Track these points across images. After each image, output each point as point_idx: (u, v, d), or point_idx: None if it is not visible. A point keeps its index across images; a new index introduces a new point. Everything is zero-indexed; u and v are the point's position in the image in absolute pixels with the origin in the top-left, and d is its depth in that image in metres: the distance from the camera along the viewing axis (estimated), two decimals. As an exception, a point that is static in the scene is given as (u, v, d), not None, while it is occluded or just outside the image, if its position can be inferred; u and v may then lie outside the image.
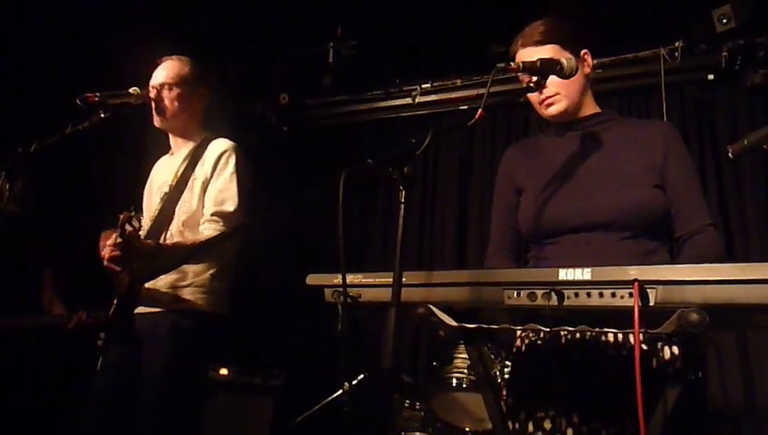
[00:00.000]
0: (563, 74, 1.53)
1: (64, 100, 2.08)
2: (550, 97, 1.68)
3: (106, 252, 2.04)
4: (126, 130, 2.33)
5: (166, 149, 2.52)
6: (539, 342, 1.61)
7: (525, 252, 1.76)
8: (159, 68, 2.40)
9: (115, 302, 2.18)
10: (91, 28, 3.75)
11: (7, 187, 1.83)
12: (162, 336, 2.15)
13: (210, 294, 2.24)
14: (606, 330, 1.31)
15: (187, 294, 2.21)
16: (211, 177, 2.28)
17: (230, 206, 2.24)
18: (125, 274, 2.15)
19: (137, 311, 2.21)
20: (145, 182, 2.54)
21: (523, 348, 1.66)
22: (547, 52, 1.64)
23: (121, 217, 2.00)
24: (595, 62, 1.77)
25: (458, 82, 4.24)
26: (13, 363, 3.35)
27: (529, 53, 1.66)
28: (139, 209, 2.47)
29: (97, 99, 2.09)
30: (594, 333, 1.48)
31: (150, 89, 2.35)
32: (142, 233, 2.24)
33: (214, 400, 3.51)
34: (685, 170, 1.62)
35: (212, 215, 2.23)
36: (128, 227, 2.00)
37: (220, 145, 2.34)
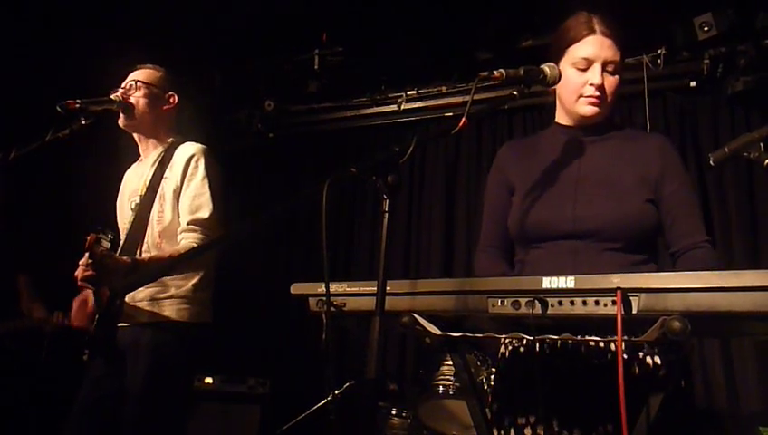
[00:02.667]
0: (546, 83, 1.53)
1: (44, 106, 2.05)
2: (598, 98, 1.61)
3: (78, 272, 2.00)
4: (102, 135, 2.29)
5: (136, 156, 2.48)
6: (522, 349, 1.61)
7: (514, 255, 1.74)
8: (132, 72, 2.38)
9: (96, 316, 2.15)
10: (75, 35, 3.72)
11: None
12: (143, 350, 2.11)
13: (192, 305, 2.20)
14: (589, 338, 1.31)
15: (168, 306, 2.17)
16: (182, 183, 2.23)
17: (205, 212, 2.19)
18: (105, 288, 2.13)
19: (119, 325, 2.17)
20: (117, 191, 2.50)
21: (507, 355, 1.65)
22: (618, 55, 1.60)
23: (88, 238, 1.96)
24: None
25: (444, 88, 4.26)
26: None
27: (605, 45, 1.59)
28: (113, 222, 2.44)
29: (78, 105, 2.07)
30: (577, 342, 1.48)
31: (119, 90, 2.31)
32: (119, 245, 2.21)
33: (200, 408, 3.48)
34: (680, 186, 1.61)
35: (188, 223, 2.18)
36: (99, 248, 1.96)
37: (188, 149, 2.28)
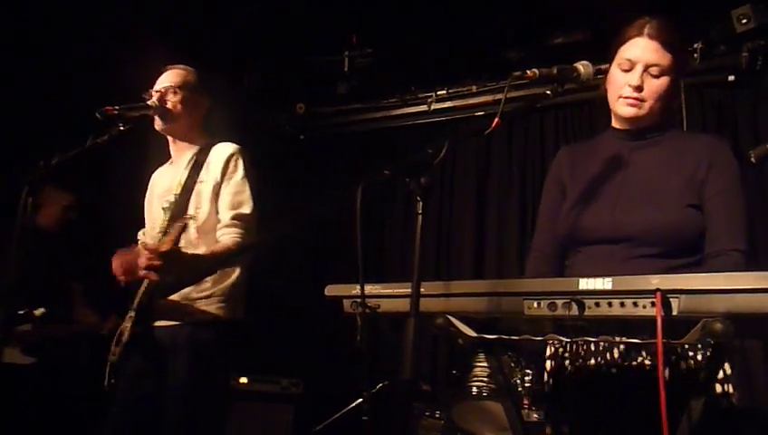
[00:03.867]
0: (579, 82, 1.51)
1: (85, 113, 2.10)
2: (637, 99, 1.61)
3: (143, 260, 2.01)
4: (132, 138, 2.34)
5: (164, 158, 2.52)
6: (561, 350, 1.59)
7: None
8: (164, 74, 2.42)
9: (134, 314, 2.19)
10: (110, 41, 3.81)
11: (30, 200, 1.85)
12: (183, 348, 2.15)
13: (228, 303, 2.24)
14: (627, 340, 1.29)
15: (205, 304, 2.21)
16: (222, 180, 2.27)
17: (247, 208, 2.24)
18: (143, 286, 2.17)
19: (156, 323, 2.22)
20: (144, 193, 2.54)
21: (552, 355, 1.64)
22: (665, 59, 1.59)
23: (178, 224, 1.99)
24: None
25: (474, 88, 4.22)
26: (51, 370, 3.43)
27: (650, 48, 1.59)
28: (140, 223, 2.49)
29: (116, 112, 2.12)
30: (615, 344, 1.46)
31: (154, 92, 2.35)
32: (151, 243, 2.25)
33: (234, 408, 3.52)
34: (723, 189, 1.57)
35: (231, 219, 2.23)
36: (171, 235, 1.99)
37: (226, 148, 2.33)
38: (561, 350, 1.60)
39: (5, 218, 3.47)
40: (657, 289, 1.14)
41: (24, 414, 3.21)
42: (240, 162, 2.30)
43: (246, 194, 2.26)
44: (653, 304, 1.14)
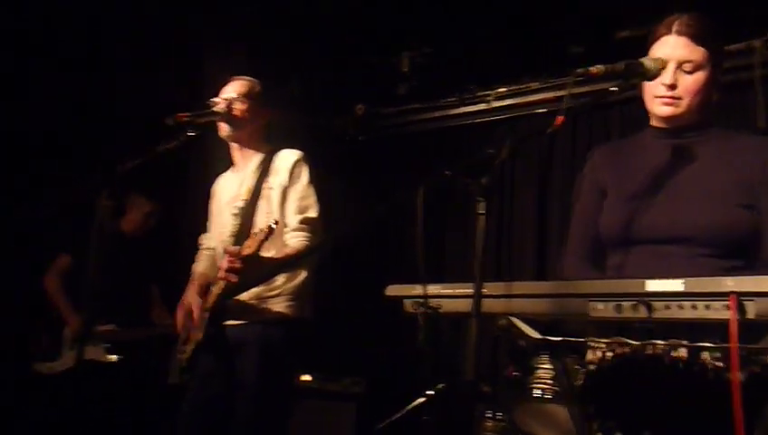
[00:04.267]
0: (647, 77, 1.48)
1: (158, 120, 2.20)
2: (672, 98, 1.58)
3: (225, 263, 2.12)
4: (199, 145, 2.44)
5: (226, 165, 2.61)
6: (610, 355, 1.55)
7: (604, 259, 1.70)
8: (230, 84, 2.51)
9: (207, 315, 2.27)
10: (178, 50, 3.96)
11: (108, 204, 1.95)
12: (253, 347, 2.22)
13: (296, 301, 2.31)
14: (699, 344, 1.24)
15: (274, 303, 2.28)
16: (289, 185, 2.36)
17: (313, 212, 2.33)
18: (217, 288, 2.24)
19: (226, 323, 2.29)
20: (208, 199, 2.63)
21: (598, 360, 1.59)
22: (696, 53, 1.55)
23: (263, 230, 2.07)
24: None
25: (535, 84, 4.16)
26: (129, 369, 3.60)
27: (679, 45, 1.56)
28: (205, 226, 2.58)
29: (187, 118, 2.21)
30: (686, 348, 1.41)
31: (221, 100, 2.44)
32: (222, 249, 2.33)
33: (298, 406, 3.59)
34: None
35: (299, 223, 2.31)
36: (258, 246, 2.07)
37: (292, 155, 2.42)
38: (625, 352, 1.55)
39: (86, 222, 3.68)
40: (732, 292, 1.10)
41: (102, 410, 3.35)
42: (305, 168, 2.39)
43: (312, 199, 2.35)
44: (727, 307, 1.10)
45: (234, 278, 2.12)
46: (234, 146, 2.53)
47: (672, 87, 1.56)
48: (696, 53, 1.55)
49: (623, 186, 1.65)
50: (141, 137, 2.13)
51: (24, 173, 4.03)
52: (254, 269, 2.12)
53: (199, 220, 2.67)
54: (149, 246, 3.84)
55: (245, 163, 2.51)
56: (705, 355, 1.40)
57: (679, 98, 1.57)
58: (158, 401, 3.49)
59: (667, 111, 1.59)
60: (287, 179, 2.36)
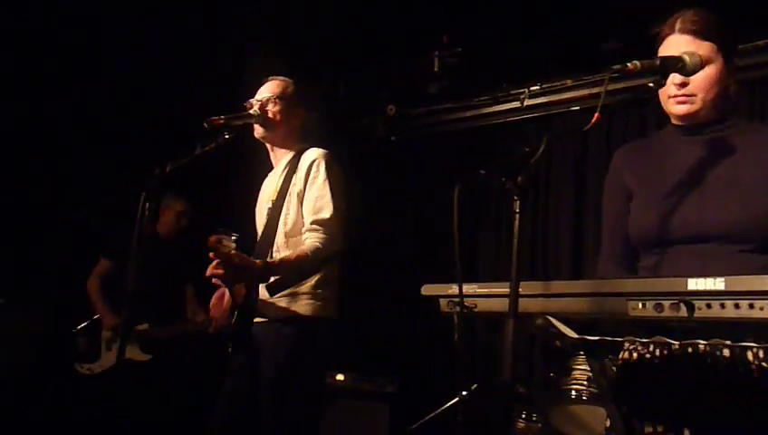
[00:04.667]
0: (686, 72, 1.45)
1: (194, 123, 2.25)
2: (685, 96, 1.57)
3: (209, 270, 2.16)
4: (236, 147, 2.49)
5: (269, 166, 2.63)
6: (648, 355, 1.52)
7: (636, 260, 1.69)
8: (264, 85, 2.54)
9: (234, 312, 2.31)
10: (212, 53, 4.03)
11: (147, 206, 1.99)
12: (271, 345, 2.25)
13: (316, 301, 2.31)
14: (742, 344, 1.22)
15: (294, 302, 2.29)
16: (305, 186, 2.35)
17: (326, 213, 2.30)
18: (241, 286, 2.28)
19: (255, 321, 2.32)
20: (255, 201, 2.66)
21: (633, 360, 1.57)
22: (702, 48, 1.54)
23: (210, 239, 2.09)
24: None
25: (569, 82, 4.10)
26: (164, 367, 3.68)
27: (683, 43, 1.56)
28: (253, 229, 2.61)
29: (222, 121, 2.25)
30: (729, 347, 1.38)
31: (254, 102, 2.47)
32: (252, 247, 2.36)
33: (331, 405, 3.62)
34: None
35: (311, 223, 2.30)
36: (223, 248, 2.08)
37: (311, 154, 2.41)
38: (665, 352, 1.53)
39: (125, 224, 3.80)
40: (777, 290, 1.07)
41: (139, 407, 3.44)
42: (322, 166, 2.35)
43: (327, 198, 2.31)
44: (771, 306, 1.08)
45: (220, 284, 2.18)
46: (268, 146, 2.56)
47: (683, 85, 1.55)
48: (703, 48, 1.53)
49: (649, 186, 1.64)
50: (181, 139, 2.17)
51: (66, 177, 4.16)
52: (240, 271, 2.13)
53: (237, 220, 2.71)
54: (184, 246, 3.91)
55: (279, 163, 2.55)
56: (750, 354, 1.38)
57: (693, 95, 1.56)
58: (188, 399, 3.60)
59: (682, 109, 1.58)
60: (303, 179, 2.36)
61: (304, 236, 2.32)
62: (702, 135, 1.61)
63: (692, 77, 1.53)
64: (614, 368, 2.75)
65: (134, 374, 3.53)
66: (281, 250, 2.37)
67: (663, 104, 1.65)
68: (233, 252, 2.10)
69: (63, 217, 3.93)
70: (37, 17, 3.75)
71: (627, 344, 1.58)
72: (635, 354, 1.57)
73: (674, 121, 1.68)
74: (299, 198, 2.36)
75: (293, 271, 2.19)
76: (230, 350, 2.32)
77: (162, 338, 3.65)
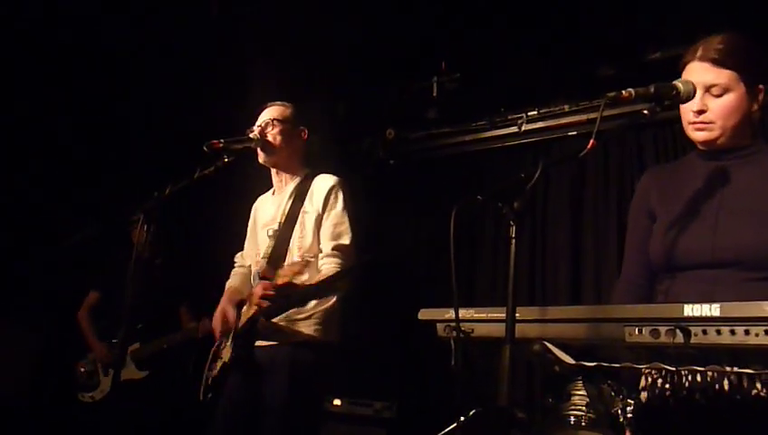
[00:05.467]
0: (680, 100, 1.47)
1: (187, 142, 2.27)
2: (703, 123, 1.58)
3: (259, 290, 2.18)
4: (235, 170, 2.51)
5: (265, 187, 2.65)
6: (660, 381, 1.52)
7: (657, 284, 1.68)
8: (265, 110, 2.57)
9: (237, 337, 2.30)
10: (212, 76, 4.07)
11: (145, 228, 2.00)
12: (282, 369, 2.24)
13: (325, 325, 2.32)
14: (740, 370, 1.22)
15: (304, 326, 2.30)
16: (323, 212, 2.38)
17: (346, 239, 2.34)
18: (248, 310, 2.28)
19: (256, 344, 2.31)
20: (246, 221, 2.67)
21: (648, 387, 1.57)
22: (722, 76, 1.55)
23: (302, 262, 2.14)
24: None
25: (566, 107, 4.14)
26: (161, 381, 3.69)
27: (701, 70, 1.56)
28: (241, 245, 2.62)
29: (221, 145, 2.26)
30: (725, 374, 1.38)
31: (256, 127, 2.50)
32: (256, 270, 2.37)
33: (328, 430, 3.58)
34: None
35: (332, 250, 2.33)
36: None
37: (328, 180, 2.44)
38: (660, 380, 1.52)
39: (114, 254, 3.80)
40: (772, 316, 1.07)
41: (143, 422, 3.51)
42: (341, 194, 2.41)
43: (346, 225, 2.36)
44: (767, 333, 1.08)
45: (265, 304, 2.17)
46: (272, 170, 2.59)
47: (701, 112, 1.56)
48: (722, 76, 1.54)
49: (670, 210, 1.64)
50: (180, 162, 2.18)
51: (65, 202, 4.18)
52: (287, 296, 2.15)
53: (235, 240, 2.72)
54: (174, 266, 3.92)
55: (283, 187, 2.57)
56: (745, 381, 1.37)
57: (712, 122, 1.57)
58: (184, 412, 3.62)
59: (701, 135, 1.59)
60: (322, 205, 2.39)
61: (323, 262, 2.34)
62: (722, 160, 1.62)
63: (711, 104, 1.54)
64: (613, 394, 2.73)
65: (134, 392, 3.56)
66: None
67: (685, 130, 1.65)
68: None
69: (55, 243, 3.97)
70: (37, 19, 3.77)
71: (645, 371, 1.57)
72: (650, 380, 1.56)
73: (698, 145, 1.67)
74: (316, 223, 2.39)
75: (318, 294, 2.23)
76: (222, 374, 2.29)
77: (153, 353, 3.67)
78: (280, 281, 2.13)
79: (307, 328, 2.30)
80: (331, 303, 2.33)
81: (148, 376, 3.67)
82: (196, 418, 3.39)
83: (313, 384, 2.30)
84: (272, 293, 2.14)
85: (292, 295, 2.18)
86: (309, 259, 2.18)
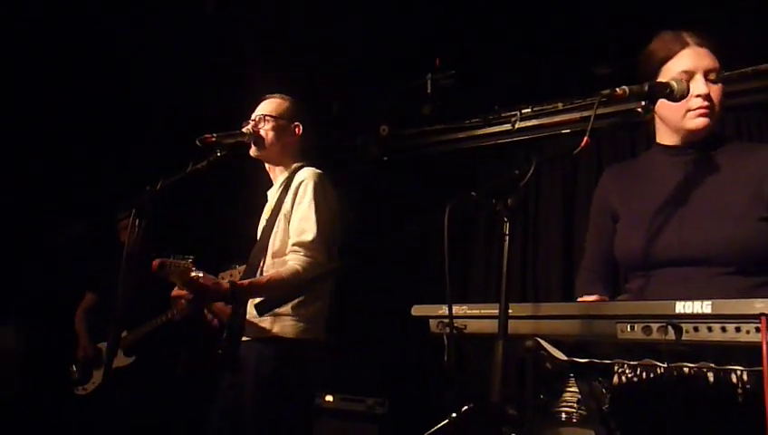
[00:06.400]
0: (674, 98, 1.47)
1: (186, 141, 2.25)
2: (708, 108, 1.54)
3: (174, 290, 2.16)
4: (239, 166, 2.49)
5: (265, 181, 2.62)
6: (636, 379, 1.52)
7: (624, 282, 1.70)
8: (261, 103, 2.54)
9: (225, 331, 2.29)
10: (210, 71, 4.06)
11: (136, 223, 1.98)
12: (250, 364, 2.22)
13: (298, 322, 2.27)
14: (730, 367, 1.23)
15: (274, 323, 2.26)
16: (291, 206, 2.34)
17: (309, 235, 2.26)
18: (224, 306, 2.27)
19: (243, 339, 2.29)
20: (241, 214, 2.67)
21: (623, 383, 1.57)
22: (717, 63, 1.55)
23: (154, 263, 2.07)
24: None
25: (560, 105, 4.15)
26: (148, 364, 3.74)
27: (702, 56, 1.56)
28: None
29: (214, 139, 2.24)
30: (716, 370, 1.39)
31: (250, 121, 2.48)
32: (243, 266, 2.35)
33: (320, 426, 3.58)
34: None
35: (293, 245, 2.28)
36: (173, 271, 2.07)
37: (302, 174, 2.38)
38: (652, 375, 1.53)
39: (109, 254, 3.80)
40: (762, 314, 1.08)
41: (134, 406, 3.60)
42: (309, 187, 2.32)
43: (311, 221, 2.27)
44: (758, 330, 1.09)
45: (181, 303, 2.19)
46: (267, 165, 2.56)
47: (708, 97, 1.53)
48: (716, 63, 1.55)
49: (634, 208, 1.63)
50: (178, 161, 2.17)
51: (61, 202, 4.16)
52: (204, 293, 2.11)
53: (230, 232, 2.70)
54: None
55: (276, 181, 2.55)
56: (734, 377, 1.38)
57: (713, 108, 1.56)
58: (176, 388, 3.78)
59: (702, 122, 1.55)
60: (291, 199, 2.35)
61: (288, 257, 2.29)
62: (687, 155, 1.61)
63: (711, 91, 1.54)
64: (604, 391, 2.75)
65: (122, 378, 3.60)
66: (269, 269, 2.34)
67: (674, 120, 1.60)
68: (194, 273, 2.06)
69: (50, 237, 3.95)
70: (37, 19, 3.75)
71: (619, 367, 1.58)
72: (626, 376, 1.56)
73: (673, 141, 1.65)
74: (286, 219, 2.35)
75: (269, 292, 2.15)
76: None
77: (138, 338, 3.69)
78: (201, 279, 2.08)
79: (273, 325, 2.26)
80: (303, 300, 2.28)
81: (134, 361, 3.71)
82: (184, 402, 3.44)
83: (293, 382, 2.23)
84: (182, 292, 2.11)
85: (244, 296, 2.15)
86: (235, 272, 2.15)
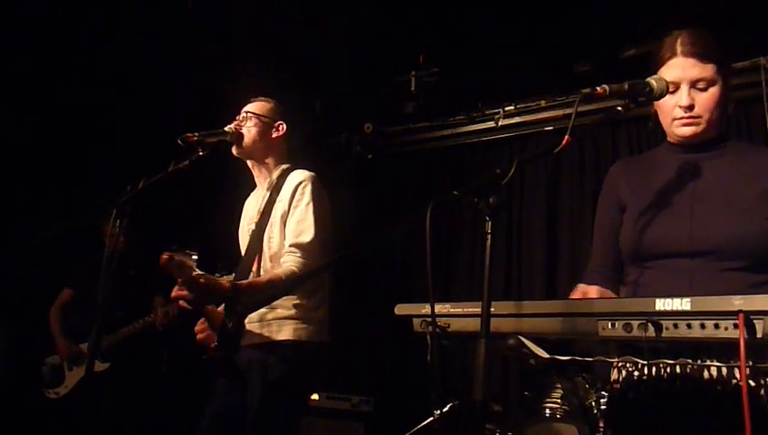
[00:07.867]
0: (653, 97, 1.48)
1: (168, 140, 2.23)
2: (692, 118, 1.57)
3: (174, 290, 2.10)
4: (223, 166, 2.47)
5: (249, 182, 2.60)
6: (636, 374, 1.54)
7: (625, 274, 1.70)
8: (246, 106, 2.53)
9: (218, 337, 2.27)
10: (193, 70, 4.02)
11: (117, 223, 1.96)
12: (256, 370, 2.20)
13: (305, 324, 2.27)
14: (708, 363, 1.24)
15: (277, 326, 2.25)
16: (289, 208, 2.32)
17: (307, 237, 2.26)
18: (218, 310, 2.25)
19: (243, 344, 2.27)
20: (226, 214, 2.64)
21: (621, 380, 1.59)
22: (708, 70, 1.55)
23: (162, 257, 2.01)
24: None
25: (543, 102, 4.18)
26: (123, 369, 3.70)
27: (688, 66, 1.56)
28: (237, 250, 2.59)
29: (196, 138, 2.22)
30: (696, 367, 1.41)
31: (234, 121, 2.47)
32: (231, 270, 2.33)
33: (305, 424, 3.58)
34: None
35: (290, 246, 2.27)
36: (184, 269, 2.03)
37: (297, 176, 2.38)
38: (635, 372, 1.55)
39: (88, 251, 3.76)
40: (740, 311, 1.09)
41: (109, 411, 3.57)
42: (307, 190, 2.33)
43: (308, 222, 2.28)
44: (736, 326, 1.10)
45: (186, 306, 2.11)
46: (249, 165, 2.54)
47: (690, 108, 1.56)
48: (706, 70, 1.55)
49: (641, 201, 1.65)
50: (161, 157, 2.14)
51: (35, 199, 4.11)
52: (206, 293, 2.07)
53: (213, 233, 2.68)
54: (146, 258, 3.90)
55: (261, 182, 2.53)
56: (714, 373, 1.40)
57: (699, 116, 1.57)
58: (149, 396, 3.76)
59: (688, 130, 1.59)
60: (288, 201, 2.33)
61: (283, 259, 2.28)
62: (697, 154, 1.63)
63: (697, 98, 1.55)
64: (587, 387, 2.77)
65: (98, 383, 3.57)
66: (268, 272, 2.32)
67: (666, 127, 1.64)
68: (196, 272, 2.04)
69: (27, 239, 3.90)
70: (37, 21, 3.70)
71: (617, 364, 1.59)
72: (624, 374, 1.58)
73: (672, 139, 1.68)
74: (282, 220, 2.33)
75: (264, 293, 2.14)
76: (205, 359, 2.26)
77: (116, 343, 3.66)
78: (203, 279, 2.05)
79: (279, 328, 2.25)
80: (305, 301, 2.28)
81: (110, 366, 3.65)
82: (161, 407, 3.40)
83: (290, 386, 2.23)
84: (183, 291, 2.07)
85: (257, 295, 2.12)
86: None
